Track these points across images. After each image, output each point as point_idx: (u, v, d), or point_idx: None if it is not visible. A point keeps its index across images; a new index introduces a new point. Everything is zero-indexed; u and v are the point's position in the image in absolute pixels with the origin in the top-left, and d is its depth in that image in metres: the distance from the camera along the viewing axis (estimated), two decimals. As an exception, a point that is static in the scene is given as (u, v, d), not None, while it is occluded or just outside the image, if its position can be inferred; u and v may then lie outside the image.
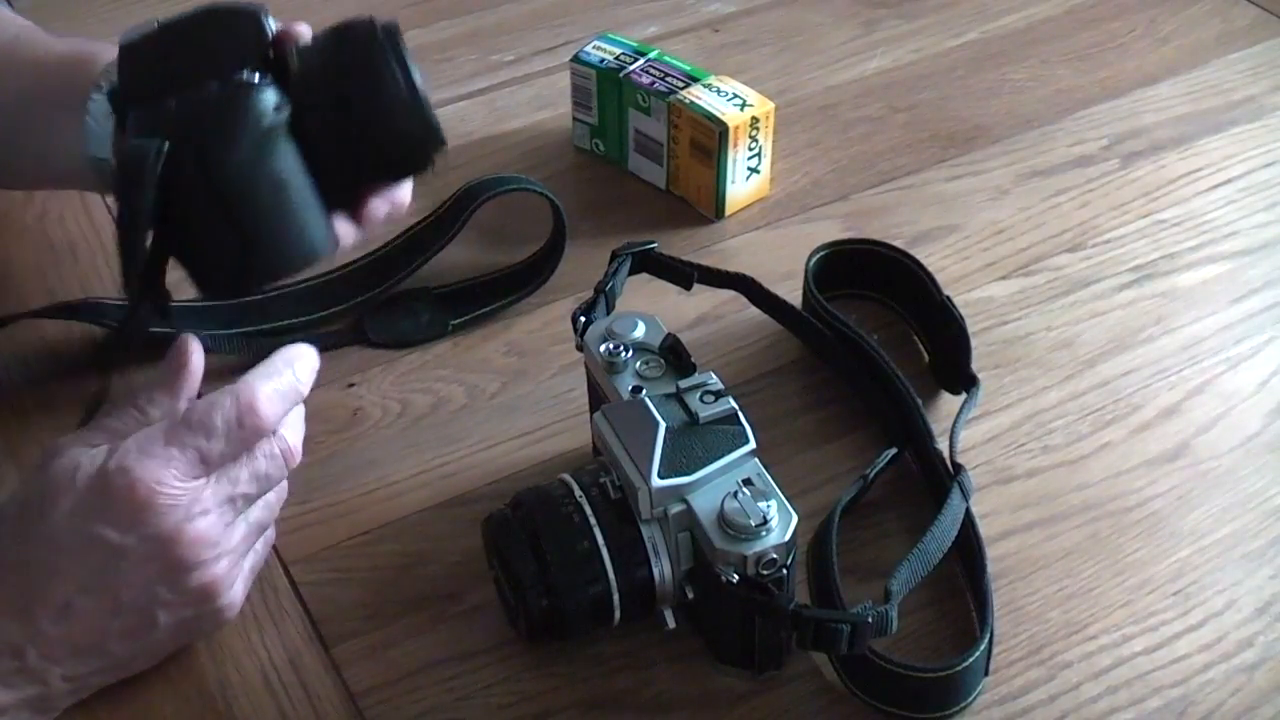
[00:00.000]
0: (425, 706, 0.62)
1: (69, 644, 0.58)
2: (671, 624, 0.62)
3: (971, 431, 0.73)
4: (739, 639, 0.61)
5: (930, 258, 0.83)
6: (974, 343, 0.75)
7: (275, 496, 0.64)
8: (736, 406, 0.62)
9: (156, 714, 0.62)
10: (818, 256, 0.79)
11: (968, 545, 0.66)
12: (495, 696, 0.63)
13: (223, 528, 0.59)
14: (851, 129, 0.94)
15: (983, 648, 0.61)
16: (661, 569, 0.60)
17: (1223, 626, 0.65)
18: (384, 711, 0.62)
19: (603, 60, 0.89)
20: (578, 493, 0.61)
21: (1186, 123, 0.95)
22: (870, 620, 0.58)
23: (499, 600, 0.64)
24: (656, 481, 0.59)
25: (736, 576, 0.58)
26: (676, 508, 0.59)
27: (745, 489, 0.59)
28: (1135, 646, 0.64)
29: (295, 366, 0.62)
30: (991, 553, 0.66)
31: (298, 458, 0.62)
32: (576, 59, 0.90)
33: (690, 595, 0.61)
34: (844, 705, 0.62)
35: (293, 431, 0.62)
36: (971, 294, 0.82)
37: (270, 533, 0.65)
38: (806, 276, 0.78)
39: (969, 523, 0.66)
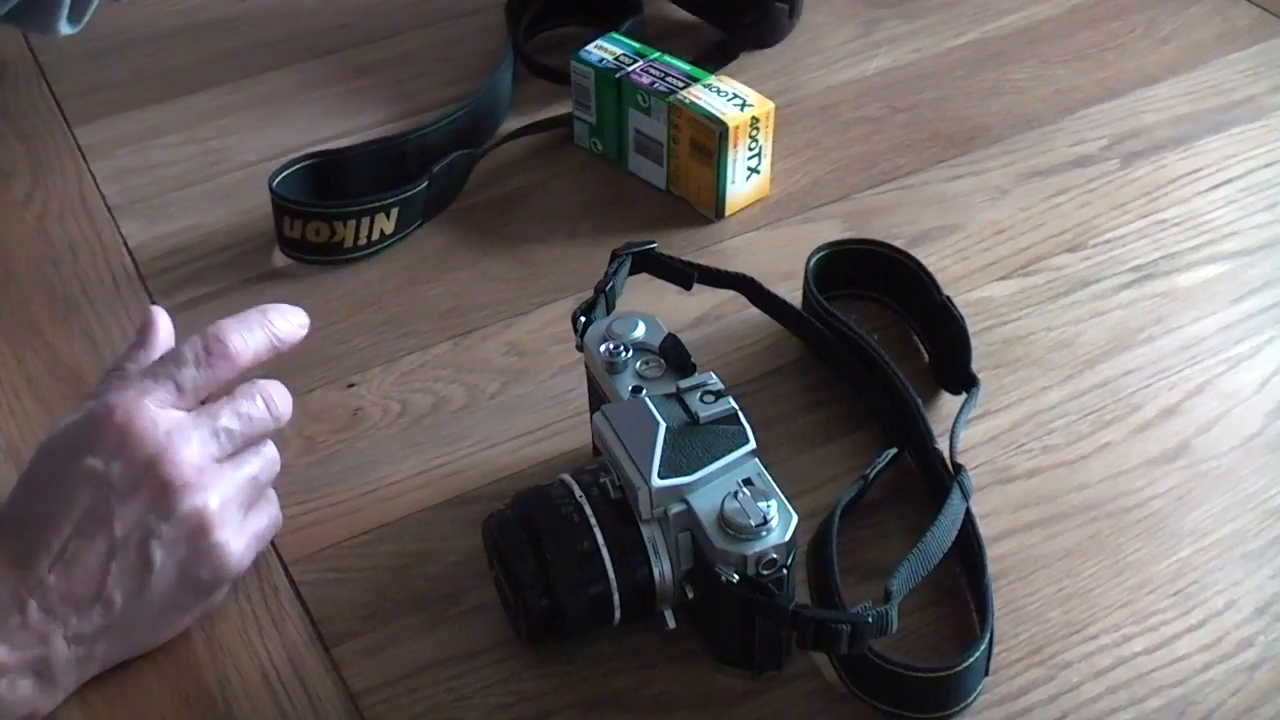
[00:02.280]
0: (425, 706, 0.62)
1: (70, 595, 0.58)
2: (671, 624, 0.62)
3: (971, 431, 0.73)
4: (739, 639, 0.61)
5: (930, 258, 0.83)
6: (974, 343, 0.75)
7: (270, 456, 0.65)
8: (736, 406, 0.62)
9: (156, 713, 0.62)
10: (818, 256, 0.79)
11: (968, 545, 0.66)
12: (495, 696, 0.63)
13: (208, 459, 0.61)
14: (851, 129, 0.94)
15: (983, 648, 0.61)
16: (661, 569, 0.60)
17: (1223, 626, 0.65)
18: (384, 711, 0.62)
19: (601, 60, 0.89)
20: (578, 493, 0.61)
21: (1186, 123, 0.95)
22: (870, 620, 0.58)
23: (499, 600, 0.64)
24: (657, 482, 0.59)
25: (736, 577, 0.58)
26: (676, 508, 0.59)
27: (745, 489, 0.59)
28: (1135, 646, 0.64)
29: (269, 314, 0.65)
30: (991, 553, 0.66)
31: (280, 406, 0.65)
32: (577, 57, 0.90)
33: (690, 595, 0.61)
34: (844, 705, 0.62)
35: (274, 386, 0.65)
36: (971, 294, 0.82)
37: (276, 512, 0.66)
38: (807, 276, 0.78)
39: (969, 523, 0.66)
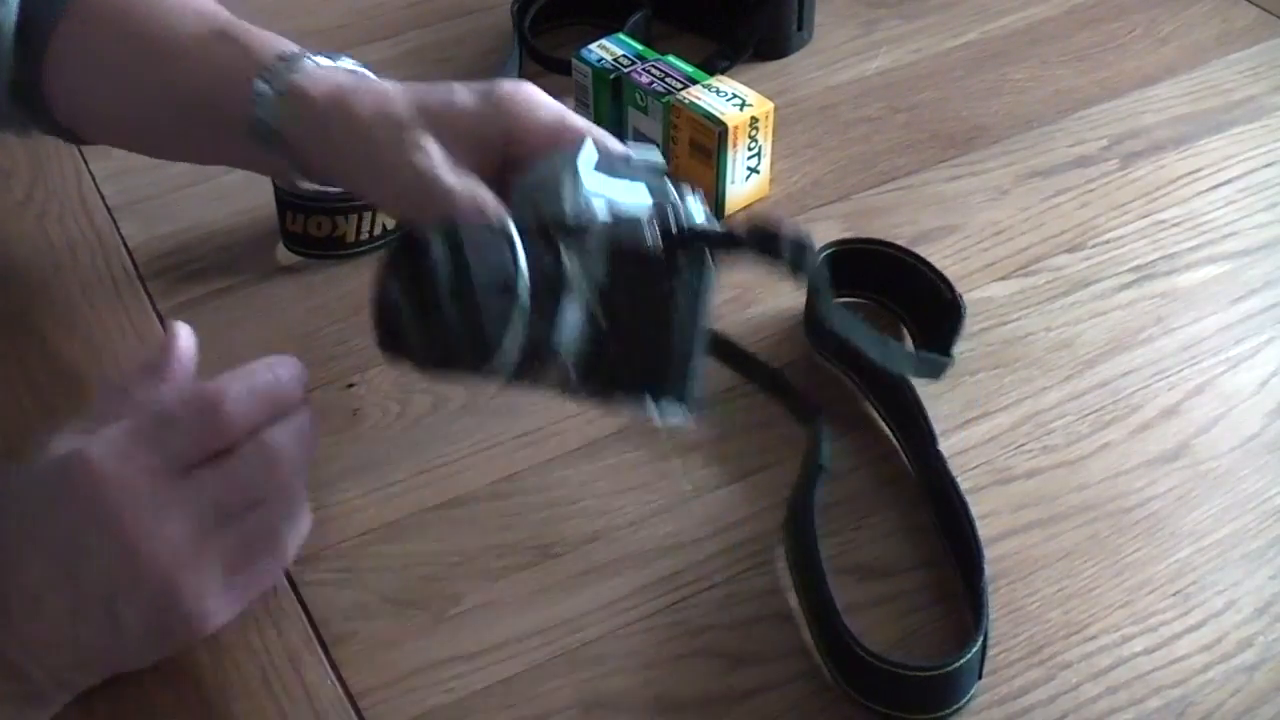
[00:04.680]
0: (425, 707, 0.62)
1: (41, 639, 0.57)
2: (573, 376, 0.59)
3: (971, 431, 0.73)
4: (657, 345, 0.59)
5: (930, 258, 0.83)
6: (974, 343, 0.75)
7: (278, 516, 0.62)
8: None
9: (156, 713, 0.62)
10: (822, 256, 0.79)
11: (965, 545, 0.66)
12: (495, 696, 0.63)
13: (187, 531, 0.57)
14: (851, 129, 0.94)
15: (976, 648, 0.61)
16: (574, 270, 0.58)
17: (1223, 627, 0.65)
18: (384, 711, 0.62)
19: (601, 60, 0.89)
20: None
21: (1186, 123, 0.95)
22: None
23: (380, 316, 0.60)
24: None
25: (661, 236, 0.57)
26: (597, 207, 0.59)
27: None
28: (1135, 647, 0.64)
29: (276, 369, 0.61)
30: (991, 553, 0.66)
31: (289, 465, 0.60)
32: (577, 56, 0.90)
33: (604, 321, 0.59)
34: (844, 706, 0.62)
35: (284, 433, 0.60)
36: (971, 294, 0.82)
37: (281, 561, 0.64)
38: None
39: (967, 522, 0.66)
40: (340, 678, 0.63)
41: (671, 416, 0.60)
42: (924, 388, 0.76)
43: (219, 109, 0.68)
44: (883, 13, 1.05)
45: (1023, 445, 0.73)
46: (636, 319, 0.59)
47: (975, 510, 0.67)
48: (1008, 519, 0.70)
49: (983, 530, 0.67)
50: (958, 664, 0.60)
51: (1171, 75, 0.99)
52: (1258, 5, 1.05)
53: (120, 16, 0.72)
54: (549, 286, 0.58)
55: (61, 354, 0.78)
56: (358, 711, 0.62)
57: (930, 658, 0.63)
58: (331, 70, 0.68)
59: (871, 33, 1.03)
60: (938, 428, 0.71)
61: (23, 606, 0.57)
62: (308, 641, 0.65)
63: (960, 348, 0.78)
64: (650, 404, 0.60)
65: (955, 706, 0.61)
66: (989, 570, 0.65)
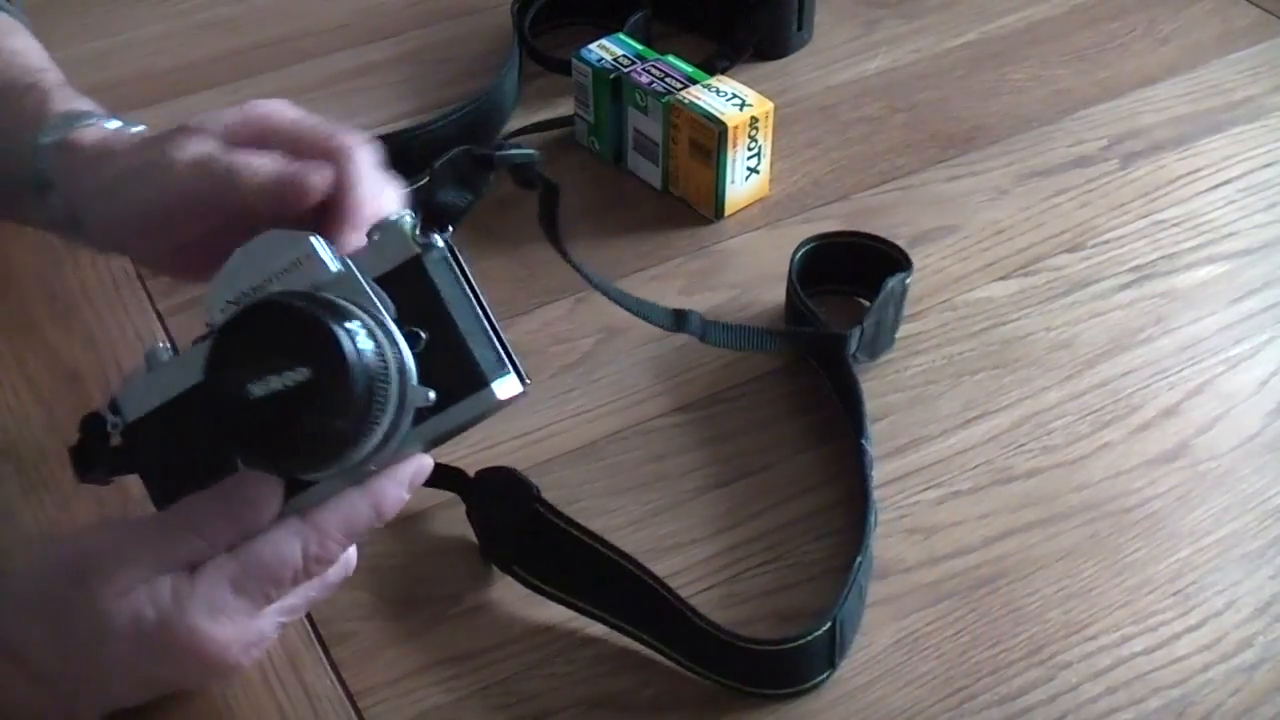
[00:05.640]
0: (425, 706, 0.62)
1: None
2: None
3: (971, 431, 0.74)
4: (453, 338, 0.56)
5: (930, 258, 0.83)
6: (974, 343, 0.76)
7: (313, 593, 0.59)
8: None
9: (155, 713, 0.62)
10: (803, 251, 0.79)
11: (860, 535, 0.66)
12: (494, 697, 0.63)
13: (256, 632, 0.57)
14: (851, 129, 0.94)
15: (824, 629, 0.61)
16: None
17: (1222, 626, 0.65)
18: (384, 711, 0.62)
19: (601, 60, 0.89)
20: None
21: (1186, 123, 0.95)
22: None
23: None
24: None
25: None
26: None
27: None
28: (1135, 646, 0.64)
29: (378, 503, 0.57)
30: (991, 553, 0.66)
31: (328, 557, 0.57)
32: (578, 56, 0.90)
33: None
34: (841, 707, 0.62)
35: (334, 522, 0.57)
36: (971, 294, 0.82)
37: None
38: (791, 273, 0.78)
39: (870, 513, 0.67)
40: (340, 678, 0.63)
41: (508, 390, 0.57)
42: (924, 387, 0.76)
43: (6, 156, 0.66)
44: (883, 13, 1.05)
45: (1023, 445, 0.73)
46: (427, 325, 0.56)
47: (975, 510, 0.68)
48: (1008, 519, 0.70)
49: (983, 530, 0.67)
50: (798, 643, 0.61)
51: (1171, 75, 0.99)
52: (1258, 5, 1.05)
53: None
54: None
55: (61, 354, 0.78)
56: (358, 711, 0.62)
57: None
58: (112, 129, 0.66)
59: (871, 33, 1.03)
60: (937, 427, 0.72)
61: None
62: (308, 641, 0.65)
63: (960, 347, 0.78)
64: (483, 392, 0.57)
65: (802, 686, 0.62)
66: (860, 559, 0.64)
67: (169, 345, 0.57)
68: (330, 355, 0.51)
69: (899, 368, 0.77)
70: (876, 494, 0.69)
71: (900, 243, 0.81)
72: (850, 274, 0.80)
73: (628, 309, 0.74)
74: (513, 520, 0.65)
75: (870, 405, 0.74)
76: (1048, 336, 0.79)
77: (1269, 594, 0.66)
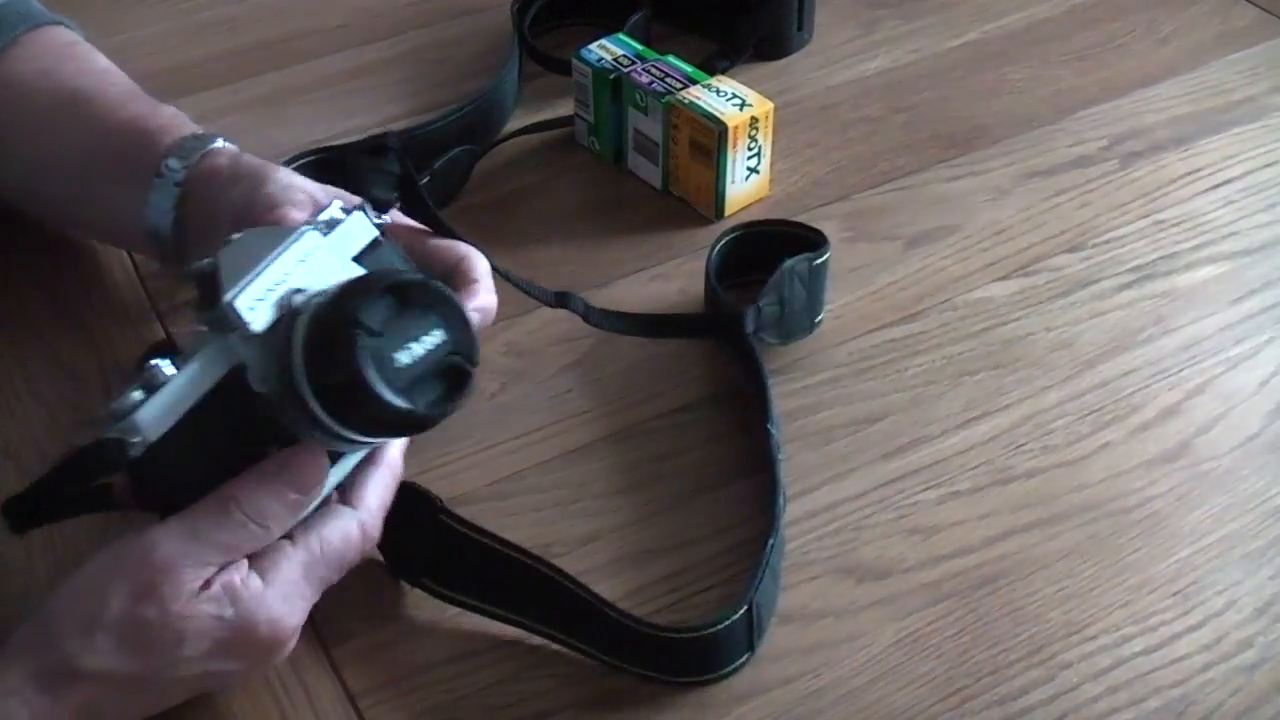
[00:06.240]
0: (425, 706, 0.62)
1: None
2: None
3: (971, 431, 0.74)
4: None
5: (930, 258, 0.83)
6: (974, 343, 0.76)
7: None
8: None
9: (155, 714, 0.62)
10: (724, 242, 0.79)
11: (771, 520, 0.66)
12: (494, 697, 0.63)
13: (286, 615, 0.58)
14: (851, 129, 0.94)
15: (739, 615, 0.62)
16: None
17: (1223, 626, 0.65)
18: (384, 711, 0.62)
19: (601, 60, 0.89)
20: None
21: (1186, 123, 0.95)
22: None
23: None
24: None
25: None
26: None
27: None
28: (1135, 647, 0.64)
29: (397, 475, 0.62)
30: (991, 553, 0.66)
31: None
32: (578, 55, 0.90)
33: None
34: (841, 707, 0.62)
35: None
36: (971, 294, 0.82)
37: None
38: (708, 266, 0.78)
39: (779, 497, 0.67)
40: (340, 678, 0.63)
41: None
42: (924, 387, 0.76)
43: (126, 157, 0.71)
44: (883, 13, 1.05)
45: (1023, 445, 0.73)
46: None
47: (975, 510, 0.68)
48: (1008, 519, 0.70)
49: (983, 530, 0.67)
50: (716, 629, 0.61)
51: (1171, 75, 0.99)
52: (1258, 5, 1.05)
53: (55, 65, 0.77)
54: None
55: (62, 354, 0.78)
56: (358, 711, 0.62)
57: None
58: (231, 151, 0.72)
59: (871, 33, 1.03)
60: (937, 427, 0.72)
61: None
62: (308, 642, 0.65)
63: (960, 347, 0.78)
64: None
65: (723, 671, 0.62)
66: (772, 541, 0.65)
67: (162, 362, 0.56)
68: (458, 315, 0.57)
69: (899, 368, 0.77)
70: (870, 491, 0.69)
71: (900, 242, 0.81)
72: (776, 263, 0.77)
73: (514, 284, 0.74)
74: (417, 534, 0.64)
75: (870, 405, 0.74)
76: (1048, 336, 0.79)
77: (1269, 594, 0.66)
